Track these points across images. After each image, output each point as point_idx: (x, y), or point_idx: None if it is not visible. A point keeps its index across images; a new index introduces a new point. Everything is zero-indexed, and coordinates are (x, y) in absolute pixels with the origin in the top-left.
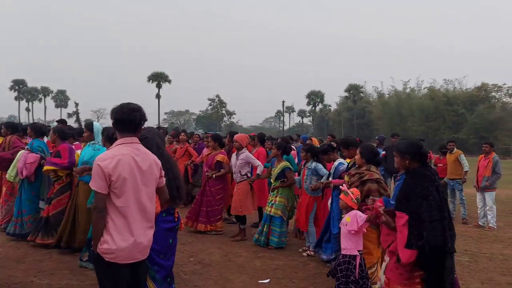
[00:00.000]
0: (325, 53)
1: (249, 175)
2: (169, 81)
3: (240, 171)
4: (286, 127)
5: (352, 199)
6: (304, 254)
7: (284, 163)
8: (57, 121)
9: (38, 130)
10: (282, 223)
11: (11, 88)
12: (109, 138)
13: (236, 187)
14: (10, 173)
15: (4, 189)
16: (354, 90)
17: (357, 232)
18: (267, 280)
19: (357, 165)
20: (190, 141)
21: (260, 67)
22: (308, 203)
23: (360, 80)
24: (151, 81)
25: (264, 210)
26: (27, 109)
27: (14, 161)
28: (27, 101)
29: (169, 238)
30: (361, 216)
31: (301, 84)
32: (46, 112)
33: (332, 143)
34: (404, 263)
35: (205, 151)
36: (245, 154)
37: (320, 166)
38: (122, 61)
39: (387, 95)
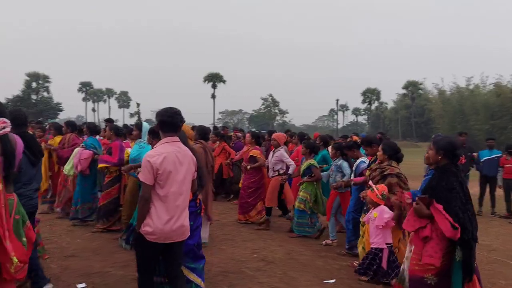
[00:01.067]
0: (381, 50)
1: (281, 171)
2: (224, 81)
3: (273, 168)
4: (340, 126)
5: (377, 195)
6: (323, 242)
7: (310, 161)
8: (105, 120)
9: (92, 128)
10: (302, 216)
11: (79, 90)
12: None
13: (269, 182)
14: (66, 167)
15: (59, 180)
16: (412, 87)
17: (384, 227)
18: (333, 281)
19: (378, 161)
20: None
21: (314, 65)
22: (333, 196)
23: (419, 76)
24: (206, 81)
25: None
26: (93, 110)
27: (71, 157)
28: (93, 102)
29: (191, 221)
30: (387, 213)
31: (356, 81)
32: (110, 113)
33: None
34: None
35: (244, 148)
36: (280, 152)
37: (345, 164)
38: (180, 63)
39: (449, 92)
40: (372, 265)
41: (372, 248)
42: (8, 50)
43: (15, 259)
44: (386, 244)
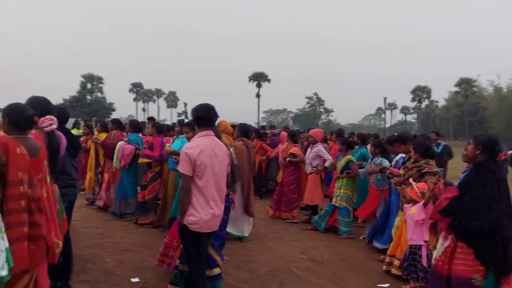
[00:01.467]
0: (430, 46)
1: (319, 167)
2: (269, 80)
3: (311, 163)
4: (387, 125)
5: (417, 192)
6: (361, 237)
7: (348, 157)
8: (148, 118)
9: (135, 125)
10: (348, 214)
11: (130, 90)
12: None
13: (308, 179)
14: (116, 161)
15: (107, 176)
16: (465, 85)
17: (424, 222)
18: (387, 285)
19: (412, 160)
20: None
21: (361, 62)
22: (375, 196)
23: (473, 73)
24: (251, 81)
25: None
26: (143, 109)
27: (115, 151)
28: (143, 102)
29: (224, 214)
30: (427, 209)
31: (405, 79)
32: (159, 112)
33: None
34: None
35: (280, 146)
36: (318, 147)
37: (385, 161)
38: (226, 62)
39: (506, 89)
40: (414, 265)
41: (411, 245)
42: (65, 53)
43: (60, 244)
44: (424, 241)
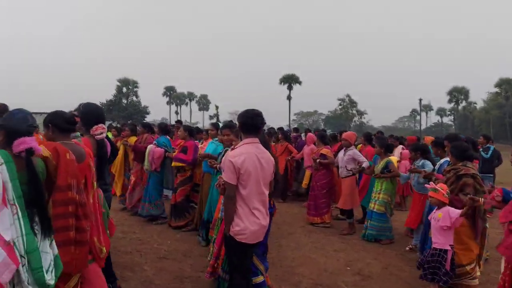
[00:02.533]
0: (468, 46)
1: (354, 171)
2: (300, 83)
3: (346, 166)
4: (422, 127)
5: (443, 194)
6: (407, 248)
7: (387, 158)
8: (176, 121)
9: (164, 128)
10: (381, 218)
11: (164, 94)
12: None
13: (343, 183)
14: (147, 164)
15: (133, 178)
16: (506, 85)
17: (449, 227)
18: None
19: (451, 163)
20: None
21: (395, 62)
22: (419, 201)
23: None
24: (282, 83)
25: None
26: (176, 112)
27: (146, 154)
28: (176, 105)
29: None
30: (454, 212)
31: (441, 80)
32: (192, 115)
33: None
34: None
35: (305, 148)
36: (353, 151)
37: (427, 162)
38: (256, 65)
39: None
40: (438, 269)
41: (436, 248)
42: (102, 58)
43: (104, 250)
44: (450, 245)
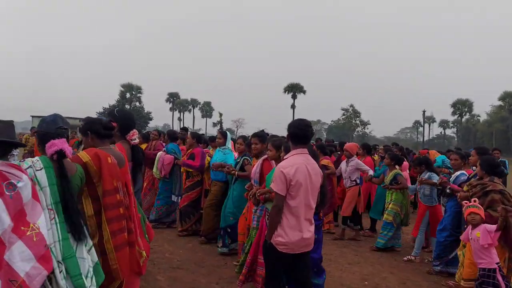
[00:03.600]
0: (472, 57)
1: (358, 181)
2: (304, 92)
3: (350, 177)
4: (424, 139)
5: (484, 210)
6: (404, 258)
7: (396, 170)
8: (181, 129)
9: (172, 135)
10: (387, 227)
11: (167, 100)
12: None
13: (347, 192)
14: (155, 170)
15: (144, 184)
16: (510, 99)
17: (490, 244)
18: None
19: (478, 177)
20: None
21: (398, 74)
22: (423, 211)
23: None
24: (287, 92)
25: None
26: (179, 119)
27: (156, 161)
28: (179, 111)
29: (315, 234)
30: (491, 227)
31: (444, 91)
32: (194, 122)
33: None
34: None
35: None
36: (356, 161)
37: (433, 174)
38: (260, 73)
39: None
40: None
41: (482, 269)
42: (108, 63)
43: (144, 253)
44: (496, 263)
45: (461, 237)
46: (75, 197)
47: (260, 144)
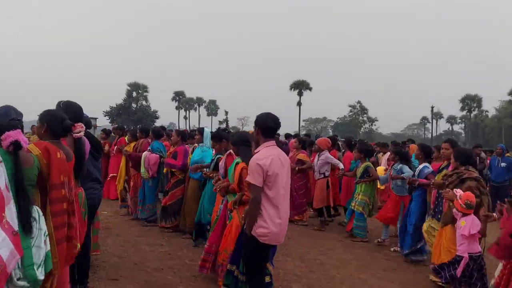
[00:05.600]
0: (480, 52)
1: (326, 174)
2: (310, 89)
3: (319, 170)
4: (431, 135)
5: (461, 204)
6: (392, 249)
7: (366, 163)
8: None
9: (157, 133)
10: (360, 218)
11: (173, 98)
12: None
13: (316, 184)
14: (142, 170)
15: (132, 183)
16: None
17: (472, 237)
18: None
19: (451, 168)
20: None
21: (404, 70)
22: (395, 201)
23: None
24: (292, 89)
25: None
26: (185, 117)
27: (142, 161)
28: (185, 110)
29: None
30: (477, 226)
31: (452, 87)
32: (200, 120)
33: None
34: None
35: (290, 153)
36: (325, 155)
37: (406, 167)
38: (266, 71)
39: None
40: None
41: (457, 255)
42: (114, 61)
43: (78, 246)
44: (469, 253)
45: (456, 225)
46: (27, 189)
47: (218, 144)
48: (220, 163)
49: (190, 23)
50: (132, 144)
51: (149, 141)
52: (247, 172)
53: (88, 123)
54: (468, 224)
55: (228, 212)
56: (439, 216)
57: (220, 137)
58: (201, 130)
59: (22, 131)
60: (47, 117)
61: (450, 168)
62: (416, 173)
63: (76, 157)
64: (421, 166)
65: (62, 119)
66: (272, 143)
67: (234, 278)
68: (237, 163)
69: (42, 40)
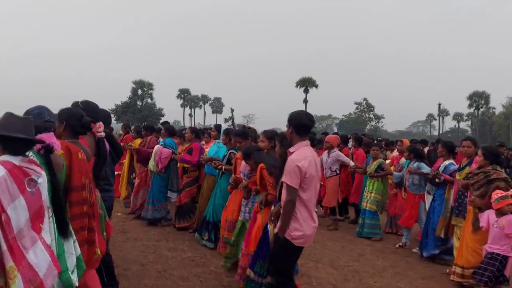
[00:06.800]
0: (487, 48)
1: (338, 171)
2: (316, 86)
3: (330, 167)
4: (437, 132)
5: (495, 199)
6: (397, 245)
7: (380, 160)
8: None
9: (170, 130)
10: (373, 216)
11: (178, 96)
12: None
13: (327, 183)
14: (151, 163)
15: (137, 181)
16: None
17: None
18: None
19: (478, 166)
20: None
21: (410, 66)
22: (413, 201)
23: None
24: (298, 86)
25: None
26: (190, 115)
27: (152, 154)
28: (190, 107)
29: None
30: None
31: (458, 84)
32: (205, 118)
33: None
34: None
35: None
36: (336, 152)
37: (423, 164)
38: (272, 68)
39: None
40: (497, 275)
41: (491, 253)
42: (118, 59)
43: (98, 251)
44: None
45: (481, 223)
46: (61, 194)
47: (243, 142)
48: (243, 162)
49: (195, 20)
50: (138, 141)
51: (156, 138)
52: (266, 172)
53: (107, 119)
54: (511, 223)
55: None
56: (464, 214)
57: (246, 134)
58: (218, 127)
59: (55, 133)
60: (65, 115)
61: (473, 166)
62: (441, 170)
63: (97, 157)
64: (446, 163)
65: (81, 116)
66: (307, 143)
67: (251, 282)
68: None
69: (42, 40)
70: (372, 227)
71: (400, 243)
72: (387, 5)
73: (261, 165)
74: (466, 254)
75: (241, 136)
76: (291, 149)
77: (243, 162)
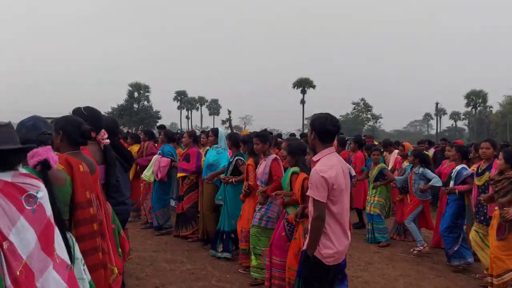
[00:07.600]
0: (482, 46)
1: (353, 181)
2: (314, 87)
3: None
4: (434, 132)
5: None
6: (414, 251)
7: (381, 165)
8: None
9: (170, 136)
10: (378, 220)
11: (175, 98)
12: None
13: None
14: (146, 174)
15: (142, 187)
16: None
17: None
18: None
19: (498, 170)
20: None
21: (406, 66)
22: (415, 204)
23: None
24: (296, 87)
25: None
26: (187, 117)
27: (150, 164)
28: (187, 110)
29: None
30: None
31: (454, 82)
32: (202, 120)
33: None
34: None
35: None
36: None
37: (427, 171)
38: (269, 68)
39: None
40: None
41: None
42: (114, 62)
43: (115, 270)
44: None
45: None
46: (62, 213)
47: (261, 144)
48: (261, 169)
49: (191, 23)
50: (135, 148)
51: (154, 144)
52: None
53: (115, 128)
54: None
55: (286, 224)
56: (486, 219)
57: (266, 138)
58: (215, 131)
59: (52, 146)
60: (61, 123)
61: (493, 171)
62: (453, 175)
63: (107, 167)
64: (458, 168)
65: (79, 124)
66: (332, 150)
67: None
68: (294, 173)
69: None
70: (381, 231)
71: (420, 248)
72: (387, 5)
73: (304, 175)
74: (491, 262)
75: (260, 138)
76: (314, 158)
77: (260, 169)
